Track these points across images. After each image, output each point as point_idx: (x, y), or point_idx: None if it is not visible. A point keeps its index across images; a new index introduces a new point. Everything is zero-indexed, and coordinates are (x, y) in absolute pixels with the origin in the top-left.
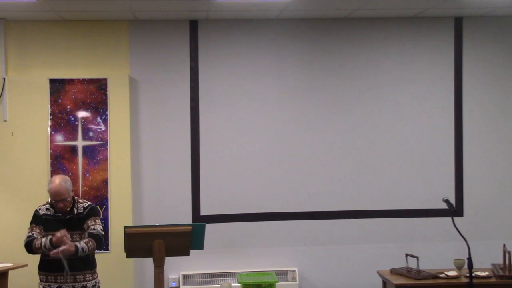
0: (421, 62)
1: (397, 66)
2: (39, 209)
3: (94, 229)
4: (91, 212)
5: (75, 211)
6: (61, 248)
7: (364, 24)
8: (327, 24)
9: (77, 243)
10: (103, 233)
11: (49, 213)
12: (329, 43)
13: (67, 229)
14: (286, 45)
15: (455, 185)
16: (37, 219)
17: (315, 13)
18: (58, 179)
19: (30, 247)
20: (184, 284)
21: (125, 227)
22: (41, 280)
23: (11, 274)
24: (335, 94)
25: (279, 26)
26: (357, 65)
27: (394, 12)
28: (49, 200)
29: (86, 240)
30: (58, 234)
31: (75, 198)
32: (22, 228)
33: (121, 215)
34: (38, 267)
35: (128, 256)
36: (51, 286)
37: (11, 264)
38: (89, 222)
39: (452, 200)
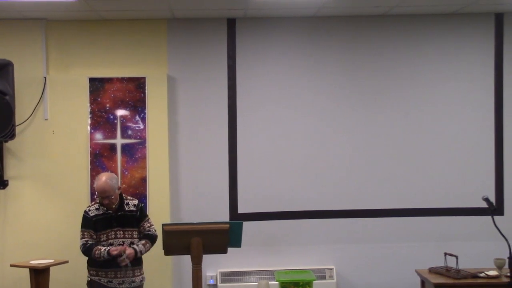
0: (461, 59)
1: (436, 63)
2: (89, 210)
3: (149, 230)
4: (143, 212)
5: (126, 208)
6: (126, 252)
7: (403, 21)
8: (365, 22)
9: (135, 246)
10: (156, 230)
11: (99, 212)
12: (367, 41)
13: (118, 226)
14: (324, 43)
15: (495, 183)
16: (87, 223)
17: (353, 11)
18: (104, 177)
19: (89, 254)
20: (222, 281)
21: (163, 225)
22: (90, 274)
23: (52, 270)
24: (372, 91)
25: (316, 24)
26: (395, 62)
27: (433, 8)
28: (97, 199)
29: (143, 242)
30: (115, 252)
31: (123, 195)
32: (62, 225)
33: (159, 213)
34: (88, 263)
35: (166, 254)
36: (101, 280)
37: (52, 261)
38: (145, 225)
39: (492, 199)
